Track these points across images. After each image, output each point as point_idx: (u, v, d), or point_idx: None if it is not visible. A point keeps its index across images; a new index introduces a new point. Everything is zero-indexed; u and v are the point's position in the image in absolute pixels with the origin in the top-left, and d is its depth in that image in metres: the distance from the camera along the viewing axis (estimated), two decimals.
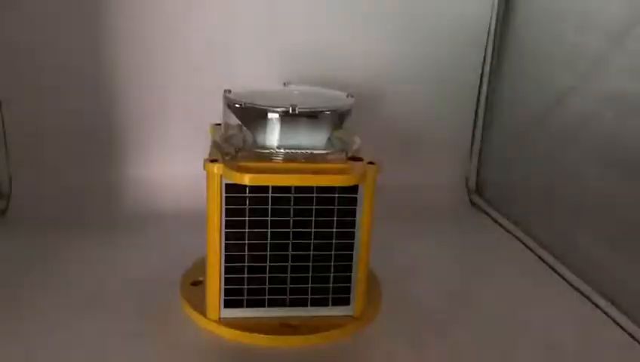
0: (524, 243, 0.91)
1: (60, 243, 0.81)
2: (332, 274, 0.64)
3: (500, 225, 0.98)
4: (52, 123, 0.93)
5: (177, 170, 0.95)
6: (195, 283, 0.70)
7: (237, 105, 0.62)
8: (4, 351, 0.58)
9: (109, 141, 0.95)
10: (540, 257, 0.86)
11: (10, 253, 0.78)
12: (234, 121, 0.67)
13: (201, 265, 0.69)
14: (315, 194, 0.61)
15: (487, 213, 1.03)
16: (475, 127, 1.08)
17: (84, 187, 0.93)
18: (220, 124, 0.69)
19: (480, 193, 1.09)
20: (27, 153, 0.93)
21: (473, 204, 1.07)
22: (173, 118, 0.96)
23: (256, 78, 0.94)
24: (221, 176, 0.59)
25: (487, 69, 1.04)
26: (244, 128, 0.68)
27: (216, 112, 0.68)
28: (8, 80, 0.90)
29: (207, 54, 0.94)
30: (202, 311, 0.64)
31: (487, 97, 1.06)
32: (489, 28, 1.02)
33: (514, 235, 0.94)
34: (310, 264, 0.63)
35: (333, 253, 0.63)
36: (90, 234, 0.85)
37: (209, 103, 0.71)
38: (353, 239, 0.63)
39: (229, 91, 0.65)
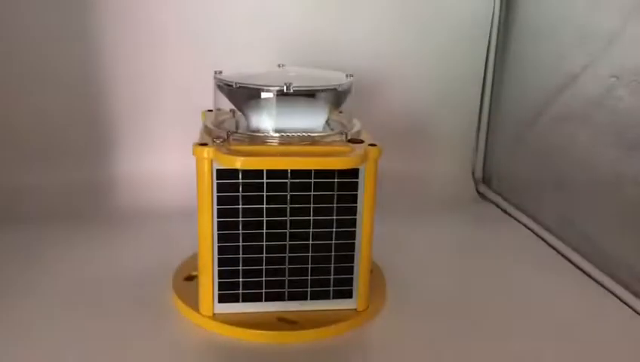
0: (535, 233, 0.87)
1: (50, 239, 0.79)
2: (333, 265, 0.60)
3: (510, 214, 0.94)
4: (42, 120, 0.90)
5: (171, 164, 0.92)
6: (188, 278, 0.67)
7: (228, 86, 0.58)
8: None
9: (102, 136, 0.92)
10: (551, 246, 0.82)
11: (4, 250, 0.75)
12: (227, 106, 0.64)
13: (195, 260, 0.65)
14: (313, 180, 0.57)
15: (495, 203, 0.99)
16: (481, 114, 1.04)
17: (77, 183, 0.90)
18: (212, 111, 0.65)
19: (487, 183, 1.05)
20: (17, 151, 0.90)
21: (480, 194, 1.03)
22: (166, 112, 0.92)
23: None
24: (211, 160, 0.55)
25: (492, 53, 1.00)
26: (237, 113, 0.65)
27: (211, 104, 0.65)
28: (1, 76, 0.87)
29: (199, 47, 0.90)
30: (195, 307, 0.60)
31: (492, 83, 1.02)
32: (493, 9, 0.98)
33: (524, 225, 0.90)
34: (309, 254, 0.59)
35: (333, 242, 0.59)
36: (84, 230, 0.82)
37: (203, 96, 0.68)
38: (355, 227, 0.59)
39: (220, 72, 0.61)
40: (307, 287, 0.60)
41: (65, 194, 0.89)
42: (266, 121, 0.58)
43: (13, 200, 0.88)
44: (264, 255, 0.59)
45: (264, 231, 0.58)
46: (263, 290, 0.60)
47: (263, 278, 0.59)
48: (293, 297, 0.60)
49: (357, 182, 0.58)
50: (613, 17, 0.72)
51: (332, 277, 0.60)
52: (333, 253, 0.60)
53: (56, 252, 0.75)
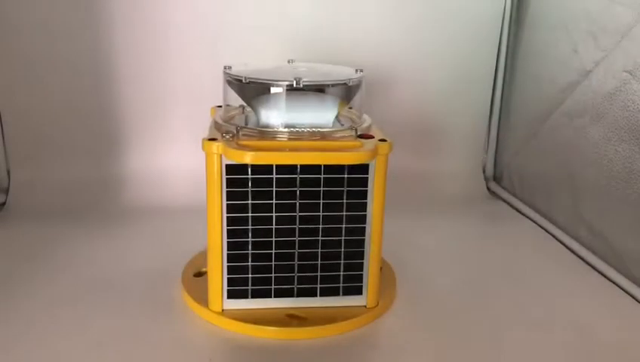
0: (546, 230, 0.86)
1: (60, 235, 0.78)
2: (342, 262, 0.60)
3: (521, 212, 0.93)
4: (50, 115, 0.90)
5: (179, 160, 0.92)
6: (198, 275, 0.67)
7: (238, 80, 0.58)
8: (2, 345, 0.55)
9: (108, 133, 0.92)
10: (563, 244, 0.81)
11: (9, 246, 0.75)
12: (236, 102, 0.64)
13: (205, 256, 0.65)
14: (322, 175, 0.57)
15: (506, 201, 0.98)
16: (492, 111, 1.03)
17: (82, 179, 0.90)
18: (221, 106, 0.65)
19: (498, 180, 1.04)
20: (25, 146, 0.90)
21: (491, 191, 1.02)
22: (177, 109, 0.92)
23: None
24: (221, 155, 0.54)
25: (504, 49, 0.99)
26: (247, 109, 0.65)
27: (220, 102, 0.65)
28: (5, 73, 0.87)
29: (209, 43, 0.90)
30: (205, 303, 0.60)
31: (504, 80, 1.01)
32: (505, 5, 0.97)
33: (535, 222, 0.89)
34: (319, 250, 0.59)
35: (343, 238, 0.59)
36: (91, 227, 0.82)
37: (211, 94, 0.68)
38: (364, 223, 0.59)
39: (230, 67, 0.61)
40: (317, 284, 0.60)
41: (75, 190, 0.89)
42: (276, 116, 0.58)
43: (24, 196, 0.88)
44: (273, 251, 0.58)
45: (273, 226, 0.58)
46: (272, 286, 0.59)
47: (272, 274, 0.59)
48: (302, 293, 0.60)
49: (367, 178, 0.57)
50: (626, 11, 0.71)
51: (342, 273, 0.60)
52: (342, 250, 0.59)
53: (66, 248, 0.75)
